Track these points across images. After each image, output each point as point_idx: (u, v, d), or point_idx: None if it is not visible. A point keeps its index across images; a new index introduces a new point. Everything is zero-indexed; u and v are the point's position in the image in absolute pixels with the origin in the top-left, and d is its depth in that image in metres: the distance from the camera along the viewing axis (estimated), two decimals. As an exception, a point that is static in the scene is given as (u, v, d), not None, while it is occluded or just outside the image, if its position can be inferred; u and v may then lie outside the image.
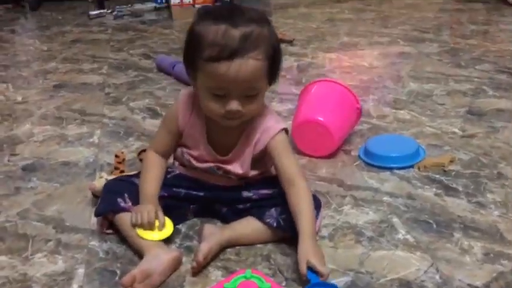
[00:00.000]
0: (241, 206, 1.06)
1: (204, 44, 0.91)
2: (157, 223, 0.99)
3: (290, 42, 2.44)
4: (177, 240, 1.06)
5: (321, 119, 1.34)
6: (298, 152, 1.38)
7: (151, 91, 1.89)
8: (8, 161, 1.42)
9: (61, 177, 1.32)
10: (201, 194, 1.09)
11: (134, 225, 0.98)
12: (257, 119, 1.02)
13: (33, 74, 2.14)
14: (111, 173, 1.25)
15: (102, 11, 3.11)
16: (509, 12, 2.92)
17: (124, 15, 3.10)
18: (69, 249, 1.04)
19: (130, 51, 2.43)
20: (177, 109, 1.05)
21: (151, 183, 1.03)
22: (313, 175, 1.30)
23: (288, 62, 2.18)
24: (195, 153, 1.06)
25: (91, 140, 1.53)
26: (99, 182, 1.17)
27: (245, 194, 1.06)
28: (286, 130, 1.04)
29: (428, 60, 2.16)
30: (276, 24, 2.92)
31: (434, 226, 1.08)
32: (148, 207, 0.99)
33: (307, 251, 0.90)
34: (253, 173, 1.07)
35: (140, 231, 0.98)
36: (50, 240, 1.07)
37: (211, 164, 1.06)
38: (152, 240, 0.97)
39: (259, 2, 3.34)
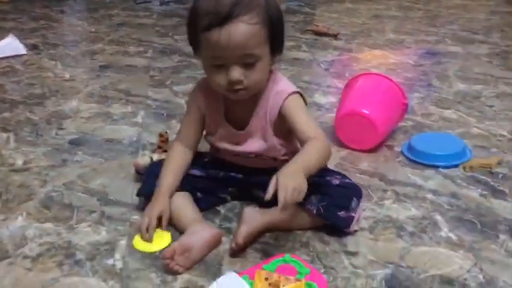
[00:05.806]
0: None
1: (198, 15, 0.93)
2: (157, 232, 0.99)
3: (335, 37, 2.41)
4: (217, 221, 1.07)
5: (367, 111, 1.32)
6: (340, 144, 1.37)
7: (195, 76, 1.91)
8: (56, 134, 1.46)
9: (105, 153, 1.35)
10: (239, 176, 1.10)
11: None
12: (267, 87, 1.01)
13: (81, 54, 2.19)
14: (154, 151, 1.27)
15: (148, -4, 3.16)
16: None
17: (169, 1, 3.14)
18: (112, 221, 1.06)
19: (175, 37, 2.45)
20: (196, 93, 1.08)
21: (168, 176, 1.04)
22: (354, 168, 1.28)
23: (331, 56, 2.17)
24: (216, 143, 1.07)
25: (135, 119, 1.55)
26: (143, 160, 1.20)
27: None
28: (299, 93, 1.03)
29: (477, 62, 2.10)
30: (320, 18, 2.90)
31: (479, 226, 1.05)
32: (152, 214, 0.99)
33: (283, 172, 0.87)
34: (283, 151, 1.06)
35: (136, 241, 0.98)
36: (94, 212, 1.10)
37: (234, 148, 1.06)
38: (144, 252, 0.96)
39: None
